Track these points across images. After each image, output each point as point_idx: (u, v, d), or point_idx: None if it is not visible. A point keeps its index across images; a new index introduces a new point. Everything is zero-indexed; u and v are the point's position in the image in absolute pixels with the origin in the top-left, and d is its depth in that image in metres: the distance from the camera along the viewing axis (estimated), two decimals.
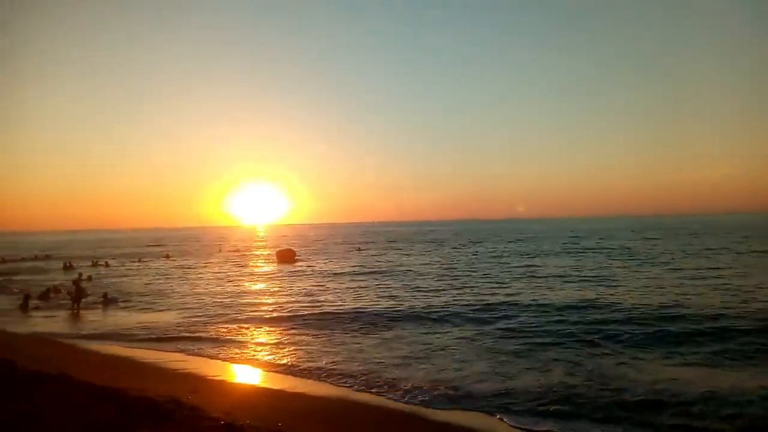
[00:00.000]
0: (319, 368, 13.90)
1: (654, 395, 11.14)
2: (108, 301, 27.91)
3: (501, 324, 18.94)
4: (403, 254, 60.56)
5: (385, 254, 61.23)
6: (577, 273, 35.20)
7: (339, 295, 28.24)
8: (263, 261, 57.23)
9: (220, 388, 12.20)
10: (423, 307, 22.83)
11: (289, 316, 22.07)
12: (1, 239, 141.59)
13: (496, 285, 30.36)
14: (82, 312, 25.26)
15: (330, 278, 36.95)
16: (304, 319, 21.27)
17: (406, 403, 11.15)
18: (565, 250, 59.61)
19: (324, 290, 30.41)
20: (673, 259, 43.83)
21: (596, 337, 16.57)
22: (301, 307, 24.38)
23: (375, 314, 21.65)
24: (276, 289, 32.18)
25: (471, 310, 21.97)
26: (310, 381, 12.94)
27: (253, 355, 15.84)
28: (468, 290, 28.44)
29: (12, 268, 53.61)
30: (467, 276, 35.67)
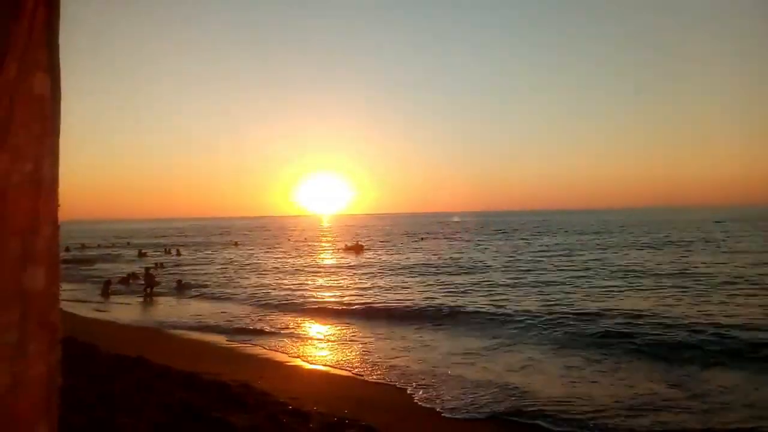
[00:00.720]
0: (381, 360, 13.92)
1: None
2: (181, 288, 29.00)
3: (578, 325, 17.49)
4: (470, 246, 59.90)
5: (451, 246, 60.60)
6: (658, 268, 33.26)
7: (406, 289, 28.11)
8: (331, 252, 57.96)
9: (286, 374, 12.45)
10: (491, 304, 22.13)
11: (355, 309, 22.24)
12: (79, 227, 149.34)
13: (571, 280, 29.06)
14: (157, 298, 26.35)
15: (397, 271, 36.73)
16: (370, 312, 21.31)
17: (463, 403, 10.67)
18: (640, 242, 56.93)
19: (390, 283, 30.34)
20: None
21: (687, 344, 14.84)
22: (367, 299, 24.47)
23: (442, 309, 21.34)
24: (343, 281, 32.49)
25: (543, 308, 20.76)
26: (372, 372, 12.89)
27: (317, 345, 16.11)
28: (540, 287, 27.18)
29: (91, 255, 56.47)
30: (538, 270, 34.21)
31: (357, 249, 56.64)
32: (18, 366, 1.43)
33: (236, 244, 72.20)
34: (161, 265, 40.97)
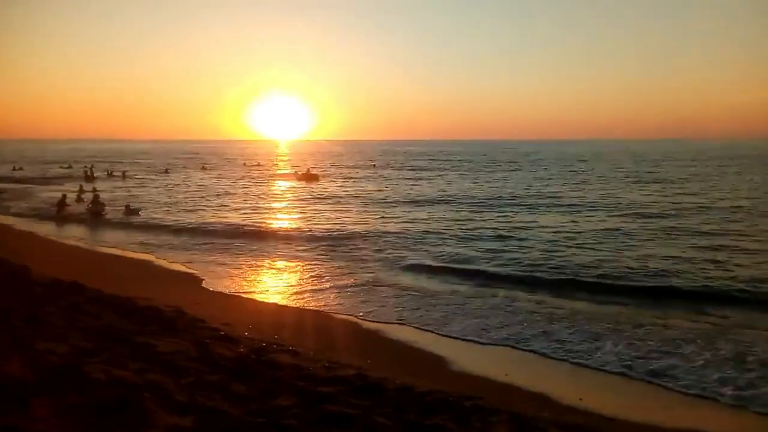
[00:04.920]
0: (323, 288, 14.31)
1: None
2: (130, 212, 28.50)
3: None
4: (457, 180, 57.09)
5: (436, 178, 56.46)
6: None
7: (361, 219, 28.02)
8: (286, 179, 56.90)
9: (224, 302, 12.65)
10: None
11: (305, 237, 22.34)
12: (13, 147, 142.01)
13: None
14: (101, 223, 26.01)
15: (354, 204, 35.66)
16: (319, 241, 21.34)
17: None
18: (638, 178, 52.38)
19: (344, 216, 29.73)
20: None
21: None
22: (317, 229, 24.22)
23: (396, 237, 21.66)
24: (296, 209, 32.15)
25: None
26: (313, 299, 13.22)
27: (261, 272, 16.29)
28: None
29: (33, 177, 54.78)
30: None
31: (309, 177, 55.91)
32: None
33: (204, 167, 71.76)
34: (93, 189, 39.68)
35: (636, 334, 10.62)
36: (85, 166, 61.21)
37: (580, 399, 7.94)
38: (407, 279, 15.38)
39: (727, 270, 15.84)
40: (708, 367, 9.02)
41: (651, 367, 9.04)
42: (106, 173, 57.02)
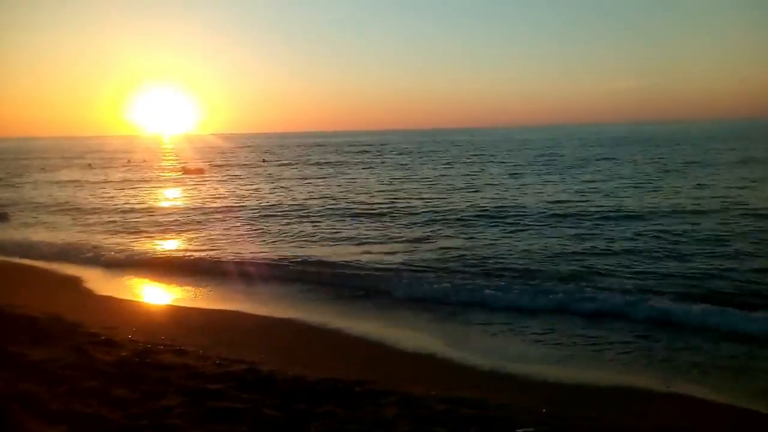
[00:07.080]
0: (212, 288, 14.03)
1: None
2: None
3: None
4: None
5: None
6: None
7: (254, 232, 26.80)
8: (172, 176, 54.22)
9: (106, 305, 12.10)
10: None
11: (190, 242, 21.16)
12: None
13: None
14: None
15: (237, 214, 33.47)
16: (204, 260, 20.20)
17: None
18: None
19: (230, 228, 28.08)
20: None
21: None
22: (202, 231, 22.94)
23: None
24: (184, 209, 30.04)
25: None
26: (201, 300, 12.94)
27: (147, 274, 15.63)
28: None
29: None
30: None
31: (195, 171, 54.31)
32: None
33: (90, 165, 66.83)
34: None
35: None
36: None
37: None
38: (294, 276, 15.11)
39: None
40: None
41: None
42: None
